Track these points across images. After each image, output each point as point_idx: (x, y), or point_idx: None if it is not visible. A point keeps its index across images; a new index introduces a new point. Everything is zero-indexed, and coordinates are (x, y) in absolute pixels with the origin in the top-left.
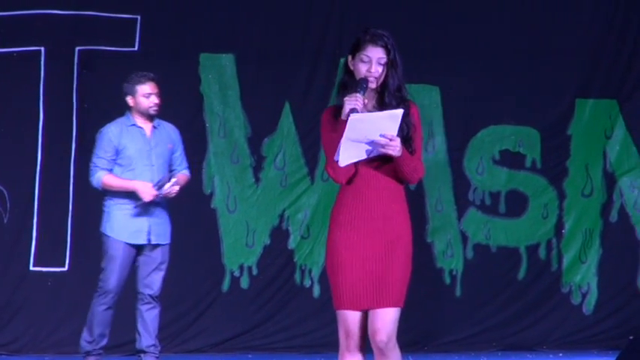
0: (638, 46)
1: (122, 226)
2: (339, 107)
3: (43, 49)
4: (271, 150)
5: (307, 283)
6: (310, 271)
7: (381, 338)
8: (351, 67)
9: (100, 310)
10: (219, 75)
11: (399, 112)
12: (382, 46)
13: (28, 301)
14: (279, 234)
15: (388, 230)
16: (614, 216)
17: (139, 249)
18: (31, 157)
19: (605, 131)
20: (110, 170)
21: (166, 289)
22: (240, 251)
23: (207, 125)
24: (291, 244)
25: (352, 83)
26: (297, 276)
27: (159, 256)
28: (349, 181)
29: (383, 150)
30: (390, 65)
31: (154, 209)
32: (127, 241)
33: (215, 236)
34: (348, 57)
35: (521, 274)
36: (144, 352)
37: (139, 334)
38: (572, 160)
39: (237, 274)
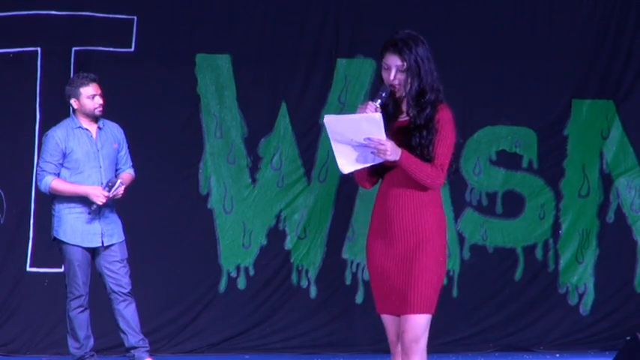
0: (635, 46)
1: (75, 230)
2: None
3: (39, 49)
4: (268, 150)
5: (304, 283)
6: (307, 272)
7: (407, 338)
8: None
9: (77, 314)
10: (215, 75)
11: (377, 115)
12: (397, 53)
13: (25, 301)
14: (276, 234)
15: (409, 235)
16: (610, 217)
17: (94, 251)
18: (27, 158)
19: (602, 132)
20: (57, 174)
21: (163, 290)
22: (236, 252)
23: (203, 126)
24: (288, 244)
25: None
26: (294, 276)
27: (117, 254)
28: (379, 188)
29: (377, 155)
30: (408, 70)
31: (104, 210)
32: (82, 245)
33: (212, 237)
34: None
35: (518, 274)
36: (134, 347)
37: (123, 333)
38: (569, 160)
39: (233, 274)
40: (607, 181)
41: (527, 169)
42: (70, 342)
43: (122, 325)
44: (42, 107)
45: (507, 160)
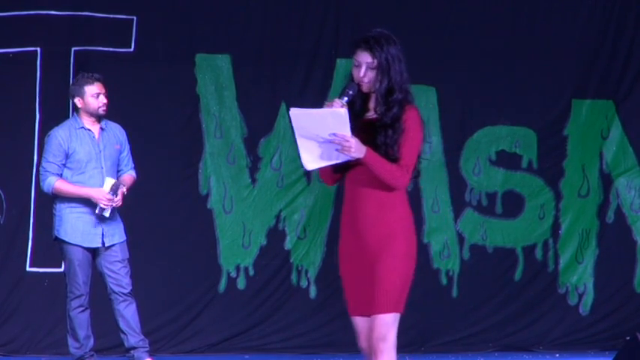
0: (635, 46)
1: (76, 229)
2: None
3: (39, 49)
4: (267, 150)
5: (304, 283)
6: (307, 272)
7: (375, 337)
8: None
9: (77, 314)
10: (215, 75)
11: (342, 110)
12: (368, 50)
13: (25, 301)
14: (276, 234)
15: (376, 234)
16: (610, 216)
17: (95, 251)
18: (27, 158)
19: (602, 132)
20: (60, 175)
21: (163, 290)
22: (236, 252)
23: (203, 126)
24: (288, 244)
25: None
26: (294, 276)
27: (118, 254)
28: (345, 187)
29: (341, 152)
30: (378, 68)
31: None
32: (82, 245)
33: (211, 237)
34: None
35: (518, 274)
36: (134, 348)
37: (123, 333)
38: (569, 160)
39: (233, 274)
40: (607, 181)
41: (526, 169)
42: (70, 342)
43: (122, 325)
44: (42, 107)
45: (507, 160)
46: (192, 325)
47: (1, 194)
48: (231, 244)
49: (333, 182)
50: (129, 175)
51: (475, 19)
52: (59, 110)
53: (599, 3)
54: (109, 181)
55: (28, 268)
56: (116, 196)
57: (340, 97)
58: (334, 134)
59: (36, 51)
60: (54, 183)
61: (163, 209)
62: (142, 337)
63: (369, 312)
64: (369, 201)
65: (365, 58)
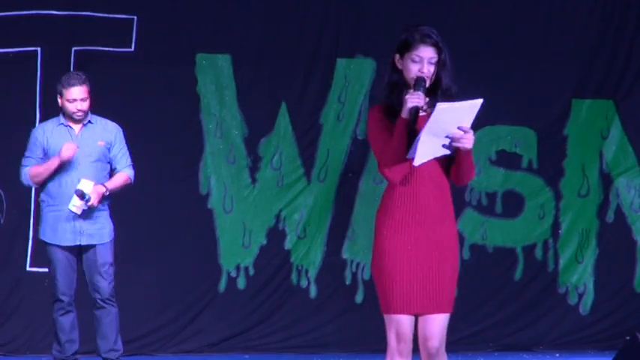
0: (635, 46)
1: (53, 228)
2: (390, 106)
3: (39, 49)
4: (268, 150)
5: (304, 283)
6: (307, 272)
7: (434, 344)
8: (399, 67)
9: (58, 316)
10: (215, 75)
11: (479, 101)
12: (433, 45)
13: (25, 301)
14: (276, 234)
15: (439, 233)
16: (610, 216)
17: (79, 252)
18: None
19: (602, 131)
20: None
21: (163, 290)
22: (236, 252)
23: (203, 126)
24: (288, 244)
25: (402, 82)
26: (294, 276)
27: (98, 257)
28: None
29: (457, 144)
30: (441, 64)
31: (88, 210)
32: (59, 244)
33: (211, 237)
34: (396, 56)
35: (518, 274)
36: (104, 358)
37: (98, 340)
38: (569, 160)
39: (233, 274)
40: (607, 180)
41: (526, 169)
42: (54, 344)
43: (97, 331)
44: (42, 107)
45: (507, 159)
46: (192, 325)
47: (1, 194)
48: (231, 243)
49: (401, 178)
50: (120, 174)
51: (475, 19)
52: (59, 110)
53: (599, 3)
54: (85, 183)
55: (28, 268)
56: (85, 200)
57: (416, 89)
58: (460, 127)
59: (36, 51)
60: (28, 171)
61: (163, 209)
62: (114, 346)
63: (427, 311)
64: (433, 196)
65: (429, 53)
